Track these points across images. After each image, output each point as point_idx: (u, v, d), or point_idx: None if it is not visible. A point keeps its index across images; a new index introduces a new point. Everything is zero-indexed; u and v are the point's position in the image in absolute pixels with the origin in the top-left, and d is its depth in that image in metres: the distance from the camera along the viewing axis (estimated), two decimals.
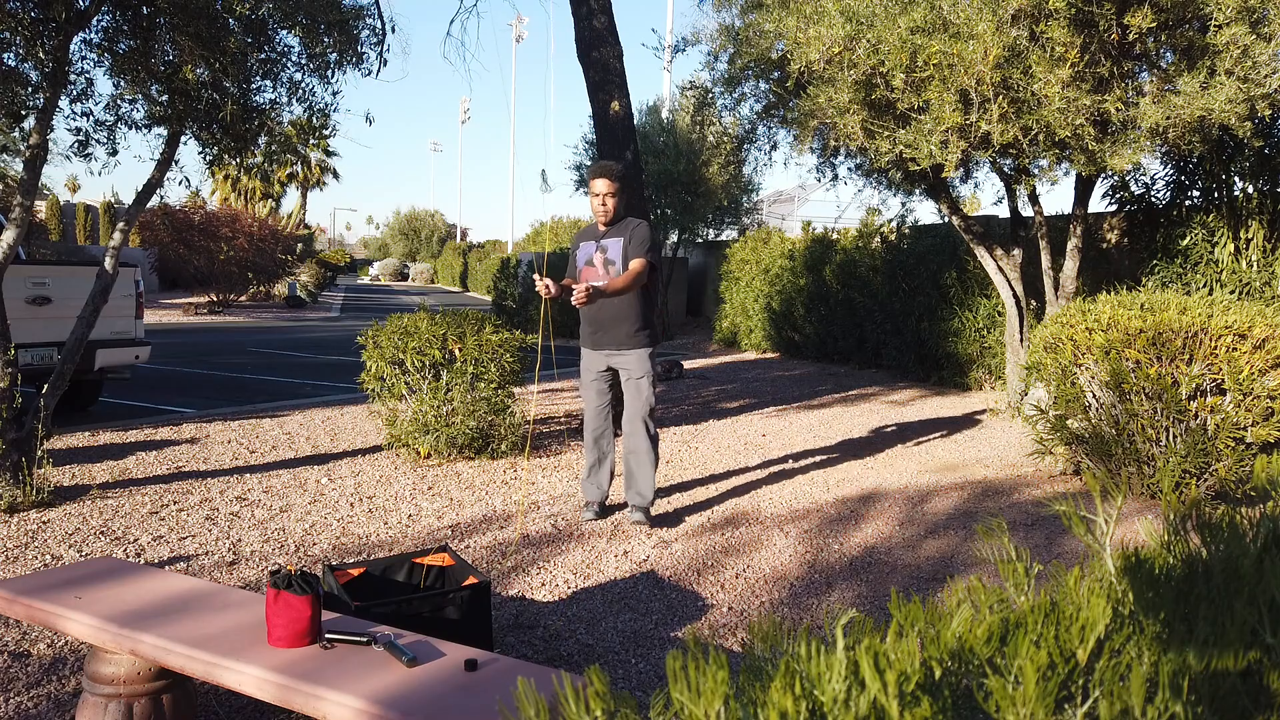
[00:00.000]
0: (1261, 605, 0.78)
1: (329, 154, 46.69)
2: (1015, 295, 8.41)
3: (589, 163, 17.30)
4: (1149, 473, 5.12)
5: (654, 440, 4.68)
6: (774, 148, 9.08)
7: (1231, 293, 7.61)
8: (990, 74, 5.71)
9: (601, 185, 4.55)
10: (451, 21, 10.46)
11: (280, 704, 1.99)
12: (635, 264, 4.45)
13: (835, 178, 9.10)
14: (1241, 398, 4.78)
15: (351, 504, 5.01)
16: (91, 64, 5.03)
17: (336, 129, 6.01)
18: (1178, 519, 0.96)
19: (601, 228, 4.65)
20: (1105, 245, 9.43)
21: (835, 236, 13.42)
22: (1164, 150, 7.43)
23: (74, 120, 5.03)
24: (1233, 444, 4.82)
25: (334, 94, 5.70)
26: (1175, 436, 4.97)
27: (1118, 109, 5.86)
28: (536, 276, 4.15)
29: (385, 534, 4.50)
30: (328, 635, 2.15)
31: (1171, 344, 4.84)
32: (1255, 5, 5.40)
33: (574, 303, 4.18)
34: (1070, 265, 7.87)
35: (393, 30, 15.69)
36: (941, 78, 5.84)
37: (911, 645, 0.74)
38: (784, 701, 0.70)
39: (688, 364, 12.71)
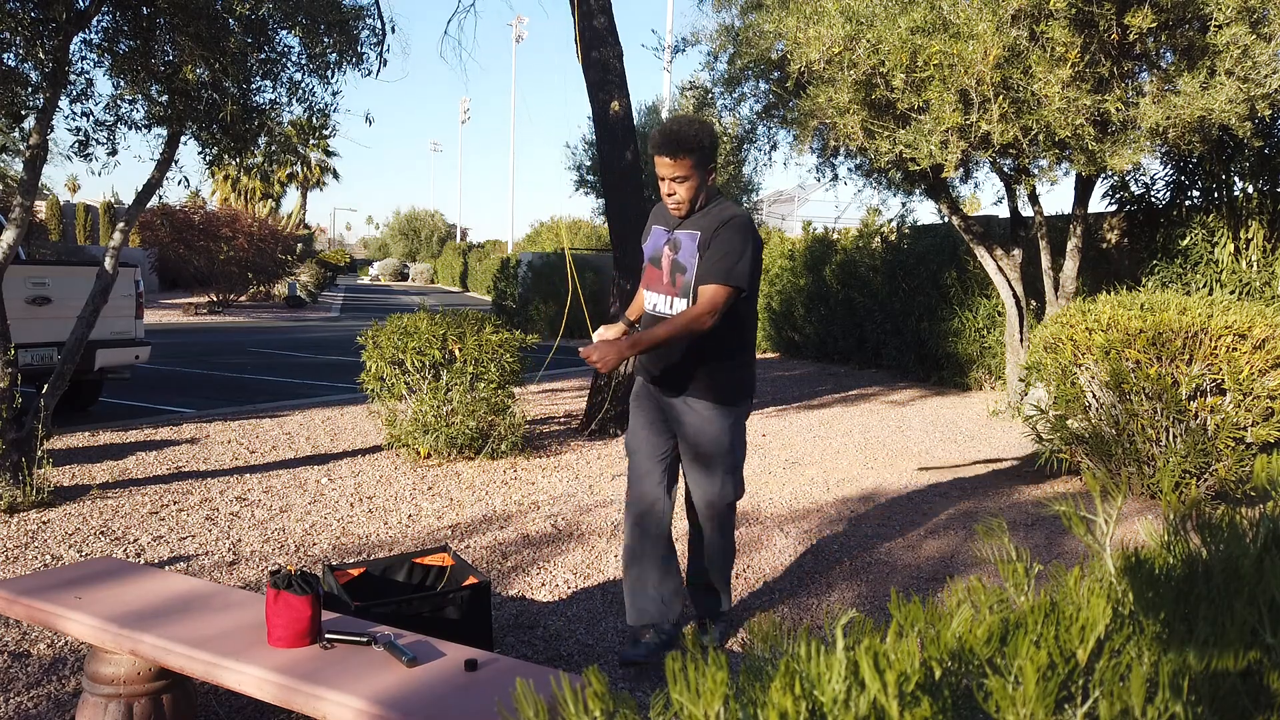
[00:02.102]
0: (1261, 605, 0.78)
1: (329, 154, 46.71)
2: (1015, 295, 8.41)
3: (589, 163, 17.27)
4: (1149, 473, 5.12)
5: (731, 543, 3.24)
6: (774, 148, 9.09)
7: (1231, 293, 7.61)
8: (990, 74, 5.71)
9: (664, 166, 2.95)
10: (449, 21, 10.49)
11: (280, 704, 1.99)
12: (706, 295, 2.86)
13: (835, 178, 9.10)
14: (1241, 398, 4.78)
15: (351, 504, 5.01)
16: (91, 64, 5.03)
17: (336, 129, 6.01)
18: (1178, 519, 0.96)
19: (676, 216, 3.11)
20: (1105, 245, 9.43)
21: (835, 236, 13.42)
22: (1164, 150, 7.43)
23: (74, 120, 5.03)
24: (1233, 444, 4.82)
25: (334, 94, 5.72)
26: (1175, 436, 4.97)
27: (1118, 109, 5.86)
28: (592, 343, 2.88)
29: (385, 534, 4.50)
30: (328, 635, 2.15)
31: (1171, 344, 4.84)
32: (1255, 5, 5.41)
33: (596, 364, 2.83)
34: (1070, 265, 7.87)
35: (393, 30, 15.71)
36: (941, 78, 5.84)
37: (911, 645, 0.74)
38: (784, 702, 0.70)
39: None
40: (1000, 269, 8.42)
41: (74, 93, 4.98)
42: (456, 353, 6.05)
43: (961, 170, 8.73)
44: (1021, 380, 8.02)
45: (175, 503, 4.93)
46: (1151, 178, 8.78)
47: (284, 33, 5.28)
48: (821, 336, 13.11)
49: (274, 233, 23.21)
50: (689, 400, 3.04)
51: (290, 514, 4.78)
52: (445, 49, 34.80)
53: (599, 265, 17.98)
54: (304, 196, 47.83)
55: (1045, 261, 8.17)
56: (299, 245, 26.37)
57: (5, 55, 4.62)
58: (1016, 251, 8.45)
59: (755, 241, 2.96)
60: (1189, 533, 0.94)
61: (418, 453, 6.13)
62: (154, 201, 6.71)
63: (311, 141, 41.01)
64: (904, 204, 9.76)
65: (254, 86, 5.32)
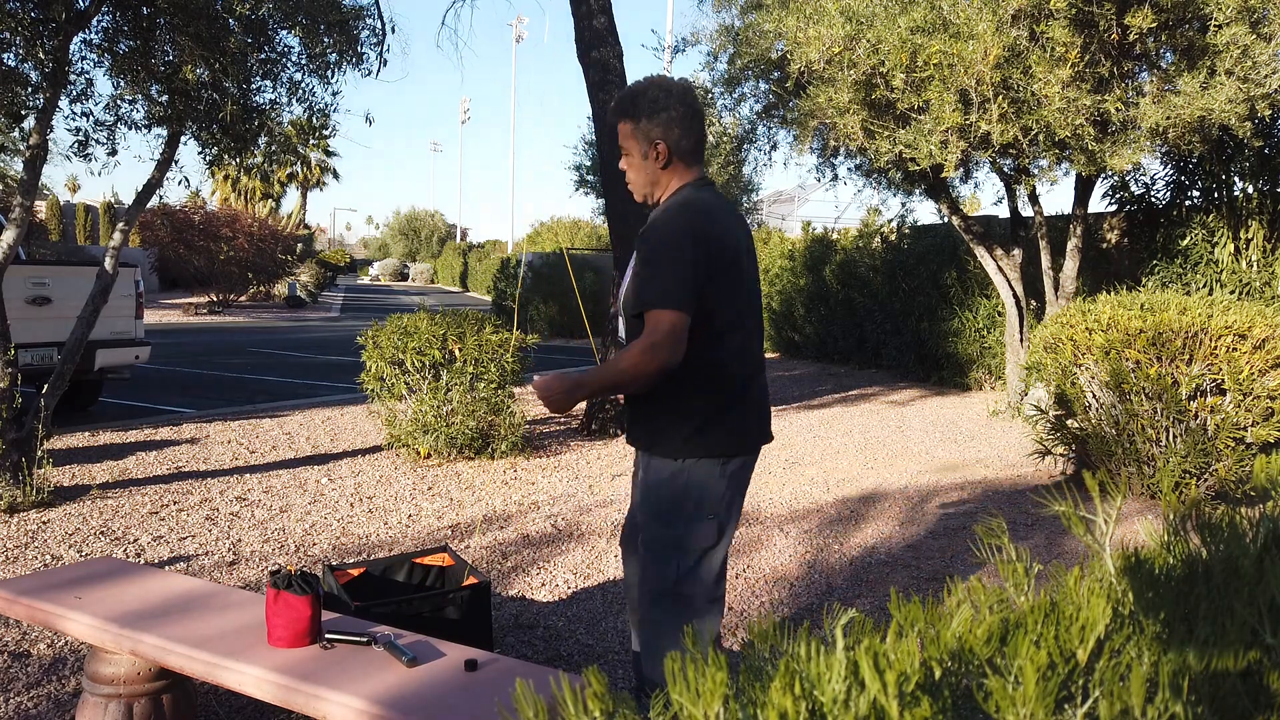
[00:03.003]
0: (1261, 605, 0.78)
1: (329, 154, 46.71)
2: (1015, 295, 8.41)
3: (589, 163, 17.27)
4: (1149, 473, 5.12)
5: (668, 627, 2.18)
6: (774, 148, 9.10)
7: (1231, 293, 7.61)
8: (990, 74, 5.71)
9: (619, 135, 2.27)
10: (446, 12, 10.52)
11: (280, 704, 1.99)
12: (648, 324, 2.06)
13: (835, 178, 9.11)
14: (1241, 398, 4.78)
15: (351, 504, 5.01)
16: (91, 64, 5.03)
17: (336, 129, 6.02)
18: (1178, 519, 0.96)
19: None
20: (1105, 245, 9.43)
21: (835, 236, 13.43)
22: (1164, 150, 7.43)
23: (74, 120, 5.03)
24: (1233, 444, 4.82)
25: (334, 94, 5.72)
26: (1175, 436, 4.97)
27: (1118, 109, 5.87)
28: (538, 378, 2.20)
29: (385, 534, 4.50)
30: (328, 635, 2.15)
31: (1171, 344, 4.84)
32: (1255, 5, 5.41)
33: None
34: (1070, 265, 7.87)
35: (393, 30, 15.71)
36: (941, 78, 5.84)
37: (911, 645, 0.74)
38: (784, 702, 0.70)
39: None
40: (1000, 269, 8.42)
41: (74, 93, 4.98)
42: (456, 353, 6.05)
43: (961, 170, 8.74)
44: (1022, 381, 8.02)
45: (175, 503, 4.93)
46: (1151, 178, 8.79)
47: (284, 33, 5.28)
48: (821, 336, 13.12)
49: (274, 233, 23.20)
50: (642, 448, 2.24)
51: (290, 514, 4.78)
52: (442, 39, 34.69)
53: (599, 265, 17.97)
54: (304, 196, 47.83)
55: (1045, 261, 8.17)
56: (299, 245, 26.36)
57: (5, 55, 4.62)
58: (1016, 251, 8.45)
59: (691, 237, 2.08)
60: (1189, 533, 0.94)
61: (418, 453, 6.13)
62: (154, 201, 6.71)
63: (311, 141, 41.03)
64: (904, 204, 9.77)
65: (254, 86, 5.32)
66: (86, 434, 6.64)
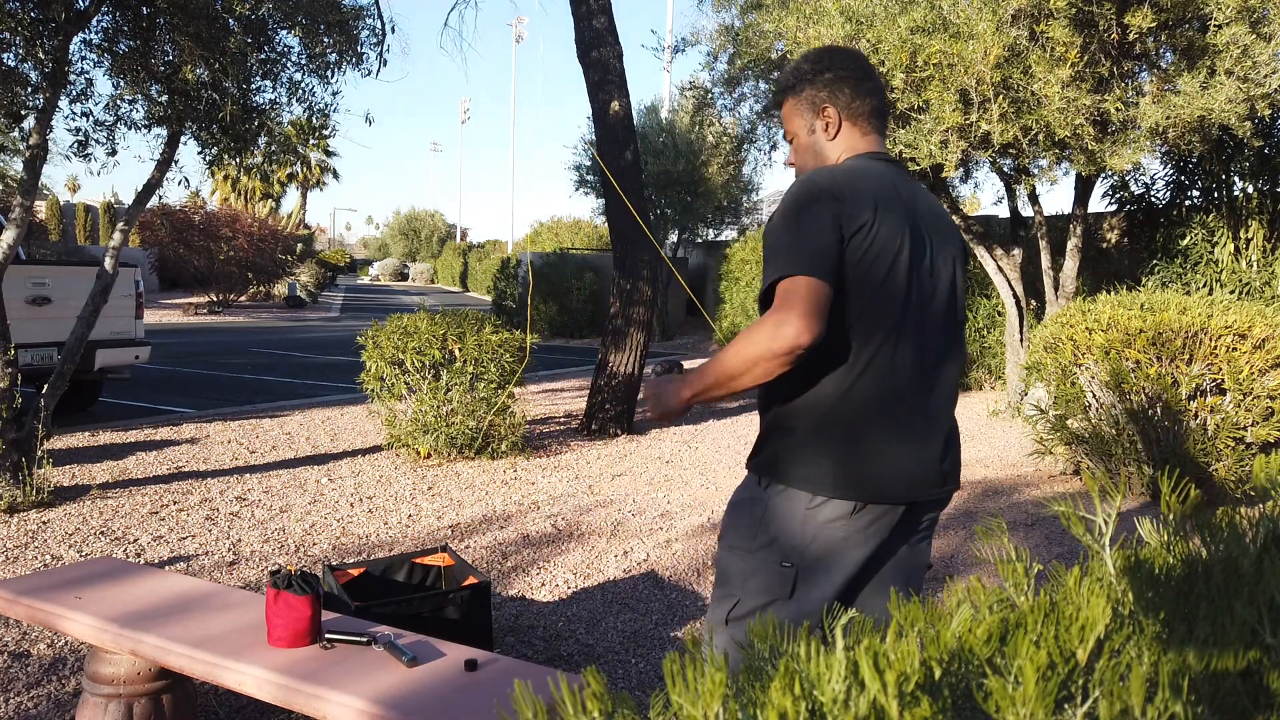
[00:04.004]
0: (1261, 605, 0.78)
1: (329, 154, 46.71)
2: (1015, 295, 8.41)
3: (588, 163, 17.29)
4: (1149, 473, 5.12)
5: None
6: (774, 148, 9.11)
7: (1231, 293, 7.61)
8: (990, 74, 5.71)
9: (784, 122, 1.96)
10: (449, 12, 10.53)
11: (281, 704, 1.99)
12: (776, 300, 1.60)
13: None
14: (1241, 398, 4.78)
15: (351, 504, 5.01)
16: (91, 64, 5.03)
17: (336, 129, 6.02)
18: (1177, 519, 0.96)
19: None
20: (1105, 245, 9.43)
21: None
22: (1164, 150, 7.43)
23: (74, 120, 5.03)
24: (1233, 444, 4.82)
25: (334, 94, 5.72)
26: (1175, 436, 4.97)
27: (1118, 109, 5.87)
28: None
29: (385, 534, 4.50)
30: (328, 635, 2.15)
31: (1171, 344, 4.84)
32: (1255, 5, 5.41)
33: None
34: (1070, 265, 7.87)
35: (393, 30, 15.71)
36: (941, 78, 5.85)
37: (911, 645, 0.74)
38: (783, 702, 0.70)
39: (688, 364, 12.72)
40: (1000, 269, 8.42)
41: (74, 93, 4.98)
42: (456, 353, 6.05)
43: (961, 170, 8.74)
44: (1022, 381, 8.02)
45: (175, 503, 4.93)
46: (1151, 177, 8.80)
47: (284, 33, 5.28)
48: None
49: (274, 233, 23.20)
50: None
51: (290, 514, 4.78)
52: (445, 40, 34.68)
53: (599, 265, 17.98)
54: (304, 196, 47.84)
55: (1045, 261, 8.17)
56: (299, 245, 26.38)
57: (5, 55, 4.62)
58: (1016, 251, 8.45)
59: (826, 196, 1.64)
60: (1189, 533, 0.94)
61: (418, 453, 6.13)
62: (154, 201, 6.71)
63: (311, 141, 41.04)
64: None
65: (254, 86, 5.32)
66: (86, 434, 6.64)
